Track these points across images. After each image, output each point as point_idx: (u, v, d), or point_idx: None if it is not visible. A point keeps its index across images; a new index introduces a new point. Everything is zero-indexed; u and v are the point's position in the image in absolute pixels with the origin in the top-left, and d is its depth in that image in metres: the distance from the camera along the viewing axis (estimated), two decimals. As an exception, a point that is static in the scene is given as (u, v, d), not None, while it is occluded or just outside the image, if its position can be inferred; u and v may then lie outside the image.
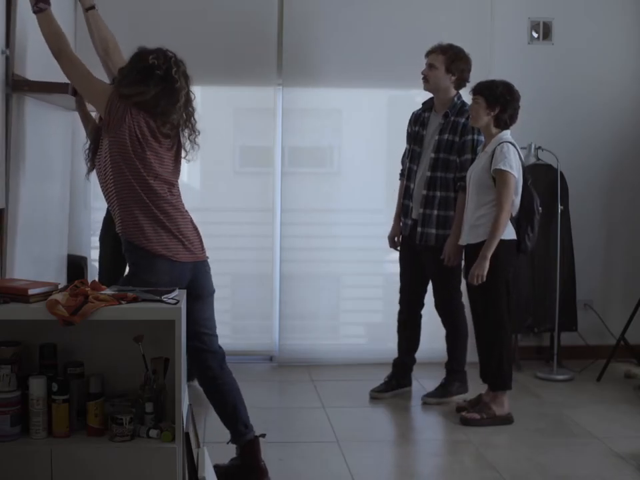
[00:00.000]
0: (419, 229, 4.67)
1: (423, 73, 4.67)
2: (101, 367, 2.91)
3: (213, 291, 3.43)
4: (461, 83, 4.68)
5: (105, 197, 3.28)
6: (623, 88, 5.65)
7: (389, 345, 5.52)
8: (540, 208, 4.37)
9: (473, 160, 4.51)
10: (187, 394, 3.03)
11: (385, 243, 5.03)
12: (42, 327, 2.84)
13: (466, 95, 4.73)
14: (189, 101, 3.28)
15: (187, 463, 2.84)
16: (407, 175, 4.82)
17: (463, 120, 4.59)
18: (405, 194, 4.81)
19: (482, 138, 4.54)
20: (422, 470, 3.87)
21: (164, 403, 2.90)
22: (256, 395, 4.74)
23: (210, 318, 3.43)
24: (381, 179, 5.58)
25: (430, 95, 4.77)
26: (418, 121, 4.79)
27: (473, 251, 4.25)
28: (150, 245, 3.18)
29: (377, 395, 4.84)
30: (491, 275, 4.16)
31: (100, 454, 2.77)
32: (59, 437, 2.82)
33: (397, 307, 5.28)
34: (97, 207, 5.30)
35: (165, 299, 2.84)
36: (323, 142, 5.64)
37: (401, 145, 5.05)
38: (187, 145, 3.32)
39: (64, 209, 4.12)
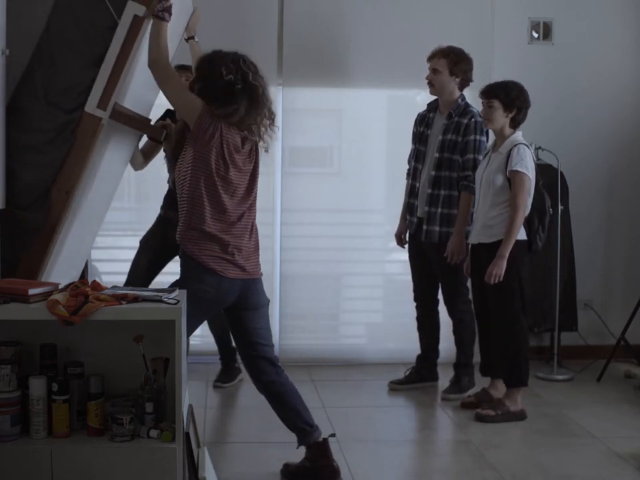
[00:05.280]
0: (424, 227, 4.71)
1: (427, 78, 4.71)
2: (101, 366, 2.91)
3: (267, 302, 3.48)
4: (464, 83, 4.73)
5: (178, 200, 3.33)
6: (622, 88, 5.64)
7: (389, 345, 5.53)
8: (551, 209, 4.46)
9: (474, 159, 4.55)
10: (187, 394, 3.03)
11: (385, 243, 5.05)
12: (42, 326, 2.84)
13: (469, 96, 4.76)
14: (270, 100, 3.33)
15: (187, 463, 2.84)
16: (412, 174, 4.85)
17: (465, 120, 4.63)
18: (411, 193, 4.86)
19: (484, 138, 4.60)
20: (422, 470, 3.87)
21: (164, 403, 2.90)
22: (256, 395, 4.73)
23: (263, 328, 3.46)
24: (380, 179, 5.58)
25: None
26: (423, 122, 4.84)
27: (486, 250, 4.32)
28: (202, 258, 3.24)
29: (395, 387, 4.92)
30: (504, 274, 4.23)
31: (100, 454, 2.78)
32: (59, 437, 2.82)
33: (397, 307, 5.29)
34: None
35: (165, 299, 2.84)
36: (323, 142, 5.64)
37: (401, 145, 5.06)
38: (265, 135, 3.35)
39: (103, 216, 4.17)
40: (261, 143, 3.37)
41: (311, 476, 3.51)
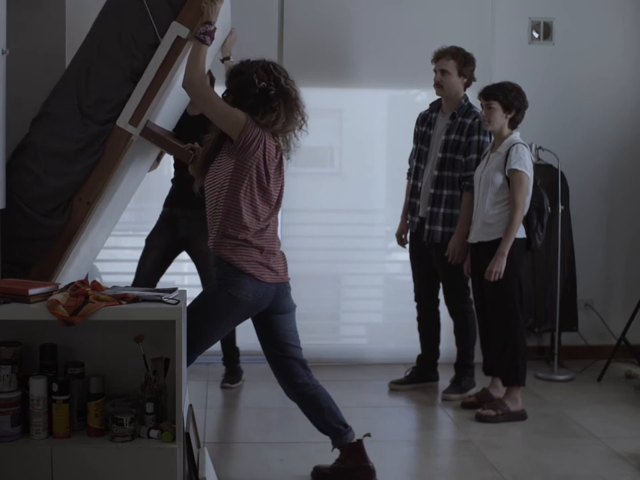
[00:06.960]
0: (426, 227, 4.71)
1: (435, 80, 4.67)
2: (102, 367, 2.92)
3: (294, 307, 3.48)
4: (469, 83, 4.72)
5: (207, 206, 3.29)
6: (623, 88, 5.64)
7: (389, 345, 5.53)
8: (549, 208, 4.49)
9: (477, 160, 4.56)
10: (187, 394, 3.03)
11: (385, 243, 5.04)
12: (42, 327, 2.84)
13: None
14: (303, 105, 3.31)
15: (187, 464, 2.84)
16: (414, 173, 4.84)
17: (469, 121, 4.62)
18: (412, 192, 4.84)
19: (487, 139, 4.60)
20: (422, 470, 3.87)
21: (164, 403, 2.90)
22: (256, 395, 4.75)
23: (292, 330, 3.46)
24: (381, 178, 5.58)
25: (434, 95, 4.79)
26: (425, 121, 4.81)
27: (485, 249, 4.34)
28: (240, 264, 3.23)
29: (395, 387, 4.92)
30: (503, 272, 4.25)
31: (100, 454, 2.78)
32: (59, 438, 2.82)
33: (397, 307, 5.28)
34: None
35: (165, 299, 2.84)
36: (323, 142, 5.63)
37: (401, 145, 5.05)
38: (291, 142, 3.35)
39: (118, 218, 4.19)
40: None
41: (346, 478, 3.47)
